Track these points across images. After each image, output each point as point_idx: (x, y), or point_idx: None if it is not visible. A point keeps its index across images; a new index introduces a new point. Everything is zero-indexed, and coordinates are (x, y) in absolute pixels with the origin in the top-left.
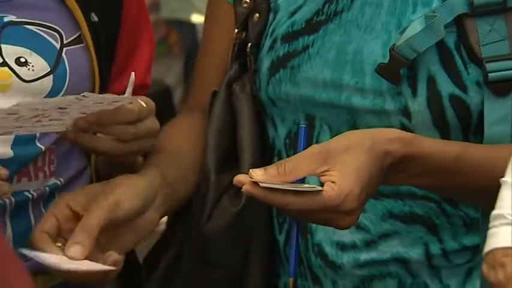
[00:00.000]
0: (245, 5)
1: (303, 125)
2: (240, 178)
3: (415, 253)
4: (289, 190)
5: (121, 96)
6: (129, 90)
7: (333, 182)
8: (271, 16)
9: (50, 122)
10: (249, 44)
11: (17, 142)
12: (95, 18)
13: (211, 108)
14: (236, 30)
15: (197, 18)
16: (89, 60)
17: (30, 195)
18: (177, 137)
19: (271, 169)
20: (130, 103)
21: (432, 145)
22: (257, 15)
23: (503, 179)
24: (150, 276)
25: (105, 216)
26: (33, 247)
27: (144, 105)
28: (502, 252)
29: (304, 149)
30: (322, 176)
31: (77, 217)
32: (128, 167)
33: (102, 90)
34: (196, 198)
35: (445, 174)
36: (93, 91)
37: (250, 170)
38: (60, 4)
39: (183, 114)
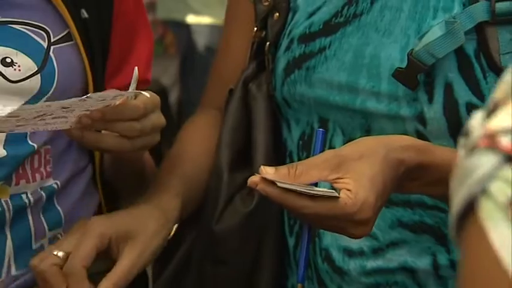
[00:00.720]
0: (266, 3)
1: (321, 130)
2: (254, 179)
3: (422, 263)
4: (305, 194)
5: (125, 91)
6: (133, 86)
7: (348, 189)
8: (290, 16)
9: (54, 120)
10: (267, 43)
11: (9, 141)
12: (85, 14)
13: (227, 106)
14: (255, 29)
15: (193, 19)
16: (79, 58)
17: (27, 201)
18: (193, 142)
19: (283, 169)
20: (135, 98)
21: (445, 153)
22: (277, 14)
23: None
24: (160, 275)
25: (133, 266)
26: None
27: (149, 97)
28: None
29: (319, 153)
30: (335, 183)
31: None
32: (135, 161)
33: (96, 88)
34: (208, 198)
35: None
36: (85, 89)
37: (262, 167)
38: (46, 2)
39: (200, 114)
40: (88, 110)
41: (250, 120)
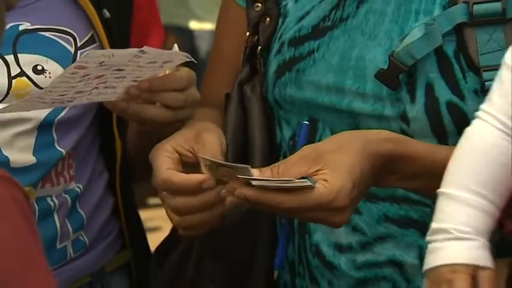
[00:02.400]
0: (257, 9)
1: (305, 123)
2: (232, 184)
3: (409, 256)
4: (281, 189)
5: (173, 52)
6: (175, 58)
7: (325, 180)
8: (280, 21)
9: (105, 89)
10: (259, 47)
11: (38, 147)
12: (107, 14)
13: (226, 109)
14: (248, 34)
15: (195, 25)
16: None
17: (52, 204)
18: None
19: (266, 171)
20: (177, 70)
21: (422, 147)
22: (268, 19)
23: (441, 190)
24: (160, 268)
25: (216, 151)
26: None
27: (190, 70)
28: (448, 268)
29: (301, 146)
30: (315, 175)
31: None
32: (165, 137)
33: None
34: None
35: (436, 177)
36: None
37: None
38: (72, 3)
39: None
40: (136, 81)
41: (247, 121)
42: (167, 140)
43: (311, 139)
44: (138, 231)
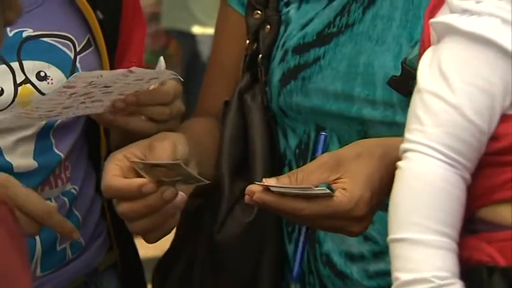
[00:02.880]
0: (257, 16)
1: (323, 134)
2: (252, 188)
3: None
4: (300, 196)
5: (161, 70)
6: (161, 73)
7: (344, 188)
8: (282, 28)
9: (92, 103)
10: (260, 55)
11: (38, 152)
12: (100, 16)
13: (224, 117)
14: (247, 41)
15: (198, 30)
16: (99, 61)
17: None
18: (196, 123)
19: (284, 178)
20: (162, 84)
21: None
22: (268, 26)
23: (396, 236)
24: (164, 283)
25: (167, 156)
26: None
27: (176, 83)
28: None
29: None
30: (334, 183)
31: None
32: None
33: None
34: (209, 207)
35: None
36: None
37: (264, 179)
38: (70, 7)
39: (196, 117)
40: (122, 95)
41: (247, 130)
42: (120, 150)
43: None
44: (124, 232)
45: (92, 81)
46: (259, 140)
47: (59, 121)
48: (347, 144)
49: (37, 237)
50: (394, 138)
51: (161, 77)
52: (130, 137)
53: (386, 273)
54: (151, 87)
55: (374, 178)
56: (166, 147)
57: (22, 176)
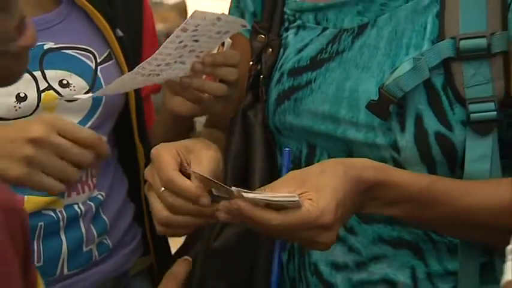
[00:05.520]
0: (260, 40)
1: (286, 149)
2: (223, 207)
3: (402, 276)
4: (270, 206)
5: (234, 19)
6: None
7: (310, 199)
8: (281, 51)
9: (179, 65)
10: (261, 76)
11: None
12: (119, 33)
13: (229, 133)
14: (251, 63)
15: None
16: (120, 73)
17: (79, 210)
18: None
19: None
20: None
21: (402, 175)
22: (270, 49)
23: None
24: None
25: (211, 168)
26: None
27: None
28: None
29: (288, 171)
30: (300, 196)
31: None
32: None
33: (137, 101)
34: None
35: (415, 205)
36: (127, 101)
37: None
38: (90, 25)
39: (206, 127)
40: (198, 57)
41: (249, 145)
42: (172, 143)
43: (310, 163)
44: (161, 236)
45: (198, 25)
46: (258, 155)
47: None
48: None
49: (63, 238)
50: (354, 158)
51: (232, 29)
52: (182, 123)
53: (368, 283)
54: (221, 47)
55: (338, 191)
56: (211, 160)
57: None
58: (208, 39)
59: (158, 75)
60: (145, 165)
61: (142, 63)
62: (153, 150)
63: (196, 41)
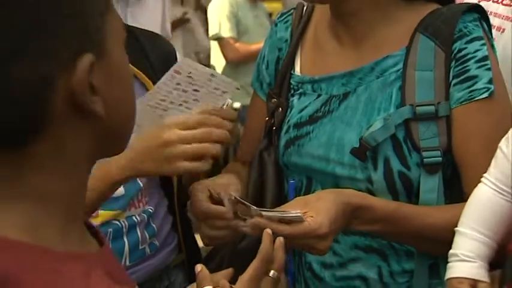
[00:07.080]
0: (273, 102)
1: (292, 181)
2: (252, 223)
3: (372, 273)
4: (282, 221)
5: (228, 83)
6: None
7: (311, 216)
8: (288, 111)
9: (186, 109)
10: (274, 128)
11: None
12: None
13: (251, 168)
14: (267, 118)
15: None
16: (145, 92)
17: (136, 220)
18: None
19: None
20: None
21: (377, 201)
22: (280, 109)
23: (457, 228)
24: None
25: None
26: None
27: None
28: (456, 280)
29: (293, 198)
30: (304, 214)
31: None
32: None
33: None
34: None
35: (387, 223)
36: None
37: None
38: (134, 80)
39: (235, 162)
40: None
41: (264, 177)
42: (206, 180)
43: (307, 191)
44: (191, 240)
45: (191, 72)
46: (270, 184)
47: None
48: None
49: (125, 240)
50: (342, 189)
51: (229, 90)
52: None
53: (348, 278)
54: (224, 104)
55: (331, 211)
56: (234, 188)
57: (114, 200)
58: (209, 93)
59: (165, 110)
60: (178, 190)
61: (147, 93)
62: (190, 188)
63: (196, 90)
